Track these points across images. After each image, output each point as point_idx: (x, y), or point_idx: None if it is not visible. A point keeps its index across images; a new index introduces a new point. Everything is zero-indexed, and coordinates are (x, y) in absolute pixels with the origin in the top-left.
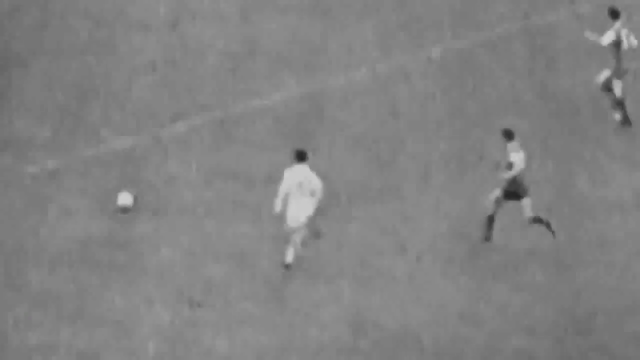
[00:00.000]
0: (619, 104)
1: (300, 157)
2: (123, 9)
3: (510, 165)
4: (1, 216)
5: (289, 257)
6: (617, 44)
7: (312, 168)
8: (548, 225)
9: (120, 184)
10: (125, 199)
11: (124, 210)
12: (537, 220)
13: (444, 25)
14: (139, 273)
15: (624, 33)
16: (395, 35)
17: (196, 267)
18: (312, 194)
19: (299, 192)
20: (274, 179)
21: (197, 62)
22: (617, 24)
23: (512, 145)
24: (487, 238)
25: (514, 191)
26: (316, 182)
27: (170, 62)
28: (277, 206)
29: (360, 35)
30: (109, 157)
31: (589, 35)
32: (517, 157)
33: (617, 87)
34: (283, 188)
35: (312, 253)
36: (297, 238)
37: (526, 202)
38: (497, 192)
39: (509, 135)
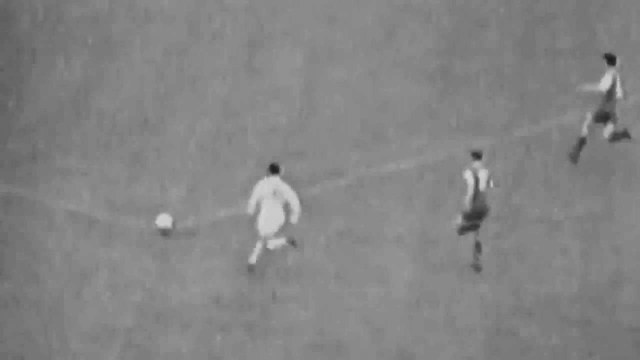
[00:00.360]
0: (582, 142)
1: (274, 170)
2: (258, 74)
3: (476, 180)
4: (134, 276)
5: (253, 258)
6: (610, 89)
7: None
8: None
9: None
10: (164, 220)
11: (164, 232)
12: (478, 246)
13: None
14: (269, 333)
15: (618, 80)
16: (527, 103)
17: (325, 329)
18: (285, 204)
19: (272, 201)
20: (403, 242)
21: (327, 127)
22: (613, 70)
23: (477, 163)
24: (477, 268)
25: (477, 211)
26: (290, 194)
27: (301, 127)
28: (250, 207)
29: (491, 101)
30: (241, 217)
31: (583, 87)
32: (483, 174)
33: (585, 125)
34: (256, 193)
35: (442, 313)
36: (271, 245)
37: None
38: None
39: (477, 156)
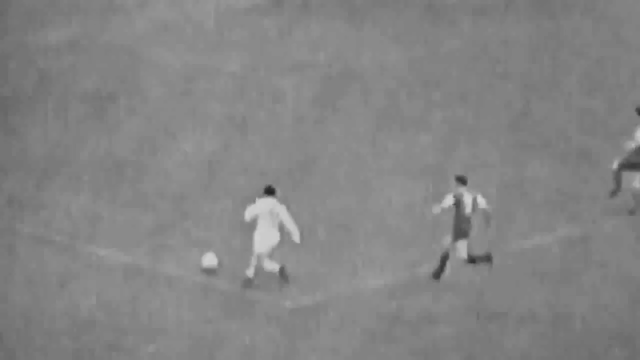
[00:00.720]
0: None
1: (270, 191)
2: (387, 153)
3: (458, 203)
4: (259, 350)
5: (250, 272)
6: None
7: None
8: (487, 259)
9: (377, 322)
10: (210, 260)
11: (210, 271)
12: (472, 260)
13: None
14: None
15: None
16: None
17: None
18: (280, 225)
19: (268, 221)
20: (535, 319)
21: None
22: None
23: (462, 188)
24: (436, 276)
25: (463, 231)
26: (285, 215)
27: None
28: (247, 217)
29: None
30: (367, 293)
31: (627, 145)
32: (468, 198)
33: (637, 181)
34: (254, 208)
35: None
36: (267, 264)
37: (462, 244)
38: (449, 237)
39: (462, 181)
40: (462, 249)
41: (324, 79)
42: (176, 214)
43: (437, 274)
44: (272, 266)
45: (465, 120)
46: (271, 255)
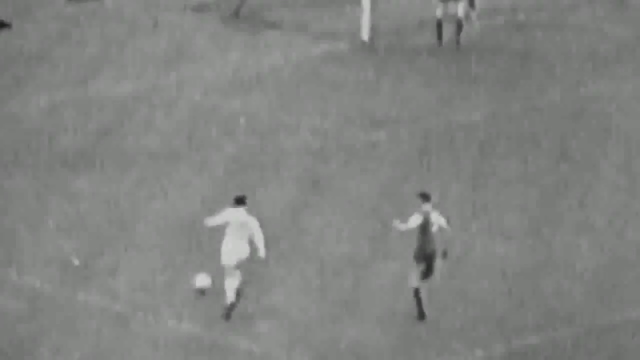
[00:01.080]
0: None
1: (240, 201)
2: (477, 210)
3: (426, 223)
4: None
5: (229, 299)
6: None
7: None
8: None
9: None
10: (202, 280)
11: (202, 292)
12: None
13: None
14: None
15: None
16: None
17: None
18: (250, 237)
19: (237, 233)
20: None
21: (558, 270)
22: None
23: (427, 206)
24: (421, 315)
25: (427, 253)
26: (255, 226)
27: (528, 269)
28: (211, 223)
29: None
30: None
31: None
32: (435, 217)
33: None
34: (222, 217)
35: None
36: (233, 283)
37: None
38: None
39: (425, 197)
40: (437, 269)
41: (410, 135)
42: (248, 280)
43: (421, 314)
44: (230, 290)
45: (565, 177)
46: (238, 268)
